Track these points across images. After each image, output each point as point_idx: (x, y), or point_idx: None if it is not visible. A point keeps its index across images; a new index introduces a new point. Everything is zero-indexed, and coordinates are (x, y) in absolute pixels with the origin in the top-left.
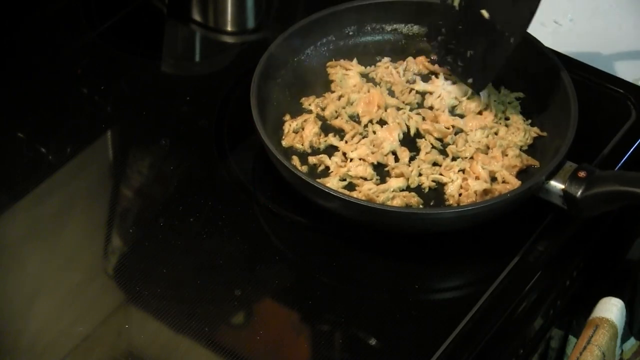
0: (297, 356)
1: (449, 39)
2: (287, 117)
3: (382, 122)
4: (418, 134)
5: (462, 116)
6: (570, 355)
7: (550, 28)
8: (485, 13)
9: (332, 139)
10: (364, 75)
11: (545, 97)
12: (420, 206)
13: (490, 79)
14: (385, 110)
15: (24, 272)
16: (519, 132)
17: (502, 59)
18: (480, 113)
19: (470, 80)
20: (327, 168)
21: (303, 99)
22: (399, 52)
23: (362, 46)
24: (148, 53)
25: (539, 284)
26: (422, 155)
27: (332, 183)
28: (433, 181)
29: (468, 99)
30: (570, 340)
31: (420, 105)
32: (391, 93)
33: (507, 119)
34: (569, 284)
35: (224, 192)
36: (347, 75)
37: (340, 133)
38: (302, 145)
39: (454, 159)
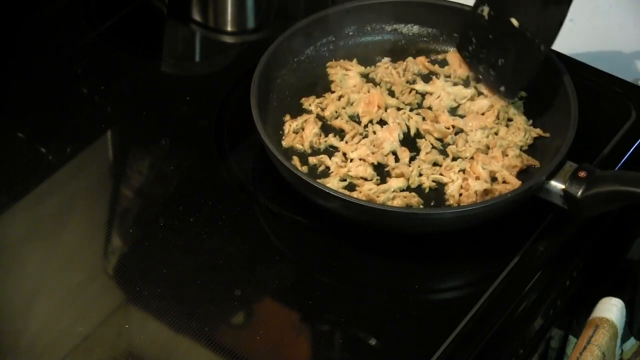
0: (297, 356)
1: (479, 48)
2: (287, 117)
3: (382, 123)
4: (418, 134)
5: (462, 116)
6: (570, 355)
7: None
8: (514, 22)
9: (332, 139)
10: (364, 76)
11: (546, 97)
12: (421, 206)
13: (522, 86)
14: (386, 111)
15: (24, 272)
16: (519, 132)
17: (533, 66)
18: (482, 114)
19: (502, 89)
20: (328, 168)
21: (303, 99)
22: (399, 52)
23: (362, 46)
24: (148, 53)
25: (539, 284)
26: (422, 155)
27: (333, 183)
28: (433, 181)
29: (470, 100)
30: (570, 340)
31: (420, 105)
32: (391, 93)
33: (509, 119)
34: (569, 284)
35: (224, 192)
36: (347, 75)
37: (340, 133)
38: (302, 145)
39: (454, 159)
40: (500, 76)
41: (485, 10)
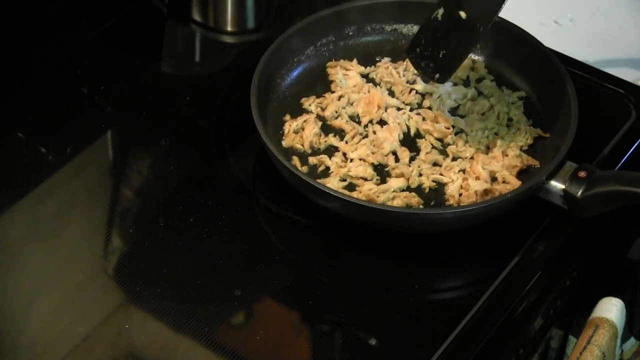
0: (297, 356)
1: (426, 47)
2: (287, 117)
3: (382, 123)
4: (418, 134)
5: (462, 116)
6: (570, 355)
7: (550, 28)
8: (462, 14)
9: (332, 139)
10: (364, 76)
11: (545, 97)
12: (421, 206)
13: (454, 69)
14: (386, 111)
15: (24, 272)
16: (519, 132)
17: (469, 48)
18: (482, 114)
19: (437, 76)
20: (328, 168)
21: (303, 99)
22: (399, 52)
23: (362, 46)
24: (148, 53)
25: (539, 284)
26: (422, 155)
27: (333, 183)
28: (433, 181)
29: (471, 100)
30: (570, 340)
31: (420, 105)
32: (391, 93)
33: (510, 119)
34: (569, 284)
35: (224, 192)
36: (347, 75)
37: (340, 133)
38: (302, 145)
39: (454, 159)
40: (437, 66)
41: (440, 12)
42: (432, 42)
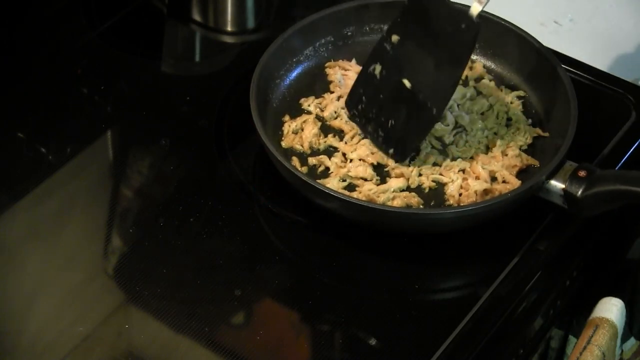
0: (297, 356)
1: (369, 107)
2: (287, 117)
3: None
4: None
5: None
6: (570, 355)
7: (550, 28)
8: (407, 82)
9: (332, 140)
10: None
11: (545, 97)
12: (421, 206)
13: (413, 149)
14: None
15: (24, 272)
16: (519, 131)
17: (425, 129)
18: (482, 113)
19: (391, 151)
20: (327, 169)
21: (302, 99)
22: None
23: (361, 46)
24: (148, 53)
25: (539, 284)
26: (422, 155)
27: (333, 184)
28: (433, 181)
29: (470, 100)
30: (570, 340)
31: None
32: None
33: (509, 119)
34: (569, 284)
35: (224, 192)
36: (345, 75)
37: (339, 134)
38: (302, 146)
39: (454, 159)
40: (389, 137)
41: (377, 68)
42: (374, 103)
